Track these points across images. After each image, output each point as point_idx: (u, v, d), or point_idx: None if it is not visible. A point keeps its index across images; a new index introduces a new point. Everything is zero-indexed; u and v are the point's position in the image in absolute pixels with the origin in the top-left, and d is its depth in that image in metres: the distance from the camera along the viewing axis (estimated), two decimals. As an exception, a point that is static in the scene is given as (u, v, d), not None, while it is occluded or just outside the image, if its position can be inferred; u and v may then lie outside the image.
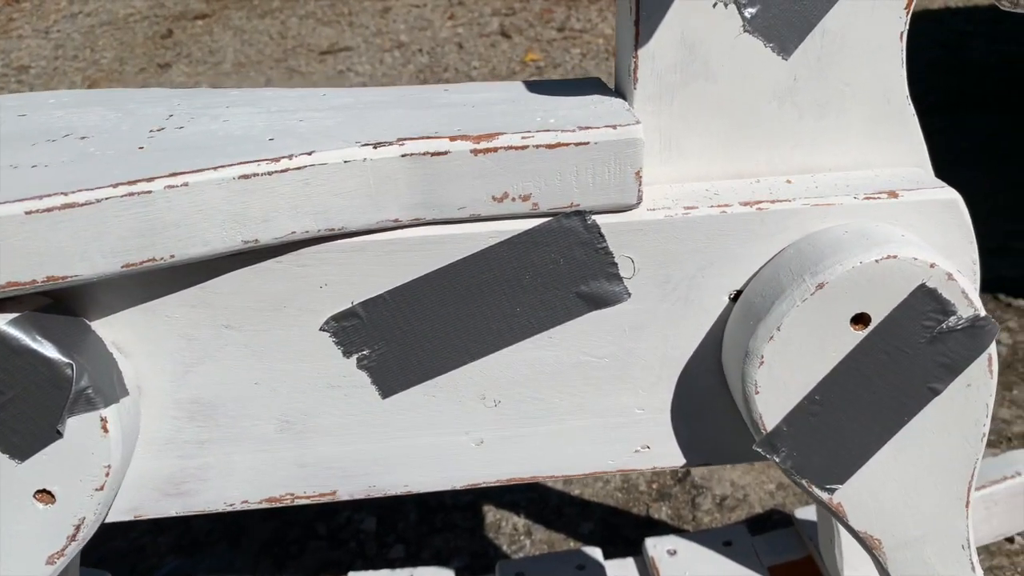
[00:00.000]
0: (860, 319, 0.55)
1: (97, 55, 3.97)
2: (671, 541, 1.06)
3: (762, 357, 0.55)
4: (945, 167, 2.28)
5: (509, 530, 1.25)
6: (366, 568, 1.21)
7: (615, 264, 0.57)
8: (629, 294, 0.58)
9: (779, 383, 0.56)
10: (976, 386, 0.57)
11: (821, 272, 0.54)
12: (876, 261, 0.53)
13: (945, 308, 0.55)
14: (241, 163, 0.51)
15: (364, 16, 4.24)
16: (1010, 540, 1.13)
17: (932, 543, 0.62)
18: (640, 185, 0.55)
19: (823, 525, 0.97)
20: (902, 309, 0.55)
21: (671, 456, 0.63)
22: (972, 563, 0.63)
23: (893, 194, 0.58)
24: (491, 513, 1.28)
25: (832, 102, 0.59)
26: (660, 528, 1.23)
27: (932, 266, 0.54)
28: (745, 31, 0.57)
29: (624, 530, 1.23)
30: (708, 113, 0.59)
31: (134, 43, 4.20)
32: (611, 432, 0.62)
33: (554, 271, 0.57)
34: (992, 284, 1.70)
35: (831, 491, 0.59)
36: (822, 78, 0.59)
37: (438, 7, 4.23)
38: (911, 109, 0.61)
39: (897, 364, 0.56)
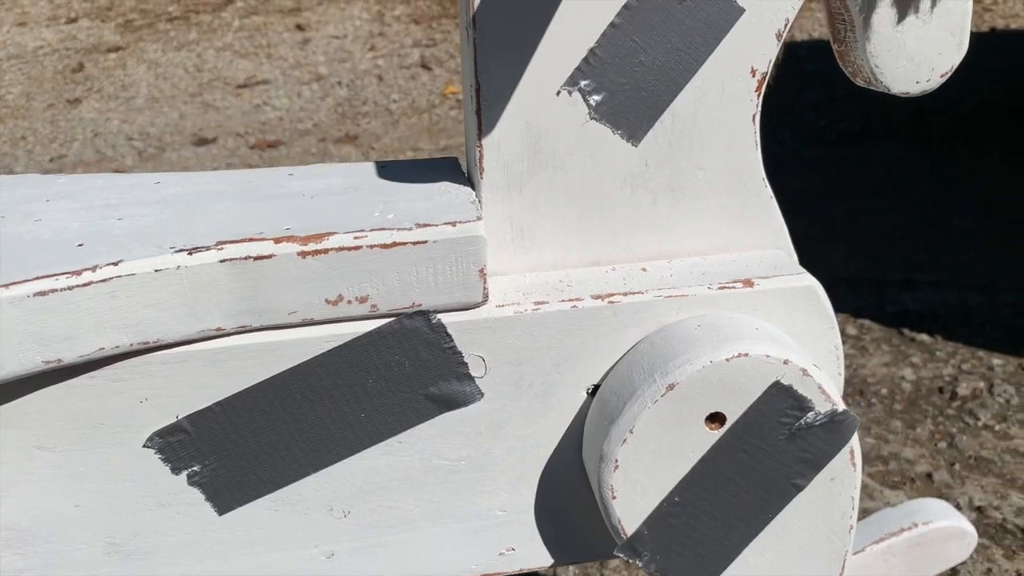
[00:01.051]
0: (715, 418, 0.53)
1: (3, 90, 3.83)
2: (573, 609, 1.02)
3: (616, 461, 0.53)
4: (851, 198, 2.31)
5: None
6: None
7: (465, 364, 0.54)
8: (482, 394, 0.55)
9: (636, 486, 0.53)
10: (840, 479, 0.55)
11: (672, 372, 0.52)
12: (727, 360, 0.51)
13: (802, 404, 0.53)
14: (38, 278, 0.46)
15: (283, 48, 4.18)
16: (913, 588, 1.13)
17: (806, 634, 0.60)
18: (485, 282, 0.52)
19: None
20: (758, 407, 0.53)
21: (538, 556, 0.60)
22: (848, 649, 0.62)
23: (749, 283, 0.56)
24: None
25: (686, 187, 0.57)
26: (568, 589, 1.20)
27: (785, 362, 0.52)
28: (592, 119, 0.55)
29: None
30: (559, 201, 0.57)
31: (43, 77, 4.06)
32: (473, 536, 0.59)
33: (399, 373, 0.54)
34: (896, 318, 1.72)
35: None
36: (674, 163, 0.57)
37: (359, 38, 4.19)
38: (768, 191, 0.59)
39: (757, 462, 0.54)
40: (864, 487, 1.31)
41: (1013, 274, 1.83)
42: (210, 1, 4.88)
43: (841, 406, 0.53)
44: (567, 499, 0.59)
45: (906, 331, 1.68)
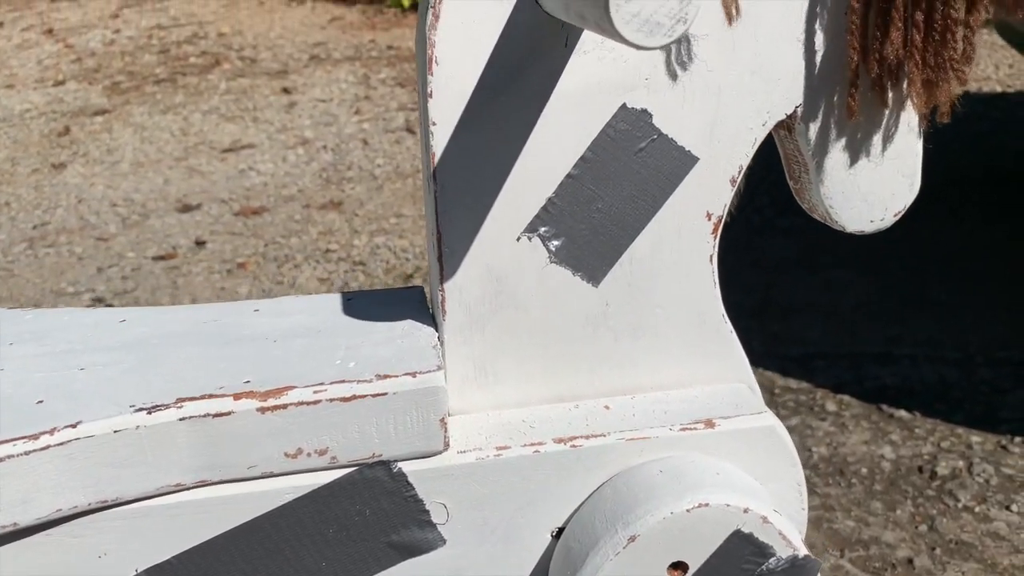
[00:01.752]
0: (677, 566, 0.53)
1: (-13, 156, 3.84)
2: None
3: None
4: (827, 268, 2.33)
5: None
6: None
7: (426, 511, 0.54)
8: (444, 540, 0.55)
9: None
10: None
11: (633, 523, 0.52)
12: (687, 511, 0.51)
13: (763, 551, 0.53)
14: (-6, 444, 0.46)
15: (269, 111, 4.22)
16: None
17: None
18: (446, 431, 0.53)
19: None
20: (719, 555, 0.53)
21: None
22: None
23: (710, 423, 0.56)
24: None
25: (646, 325, 0.58)
26: None
27: (746, 511, 0.52)
28: (552, 263, 0.56)
29: None
30: (521, 340, 0.57)
31: (28, 141, 4.09)
32: None
33: (360, 523, 0.54)
34: (874, 394, 1.73)
35: None
36: (634, 302, 0.58)
37: (344, 101, 4.24)
38: (728, 327, 0.60)
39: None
40: (845, 573, 1.31)
41: (988, 346, 1.85)
42: (197, 63, 4.94)
43: (803, 551, 0.53)
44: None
45: (885, 407, 1.69)
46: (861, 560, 1.33)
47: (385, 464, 0.52)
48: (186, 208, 3.17)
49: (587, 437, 0.55)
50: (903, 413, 1.66)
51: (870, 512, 1.43)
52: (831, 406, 1.70)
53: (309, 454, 0.51)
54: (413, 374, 0.51)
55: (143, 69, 4.88)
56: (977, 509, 1.41)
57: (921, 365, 1.81)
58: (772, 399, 1.74)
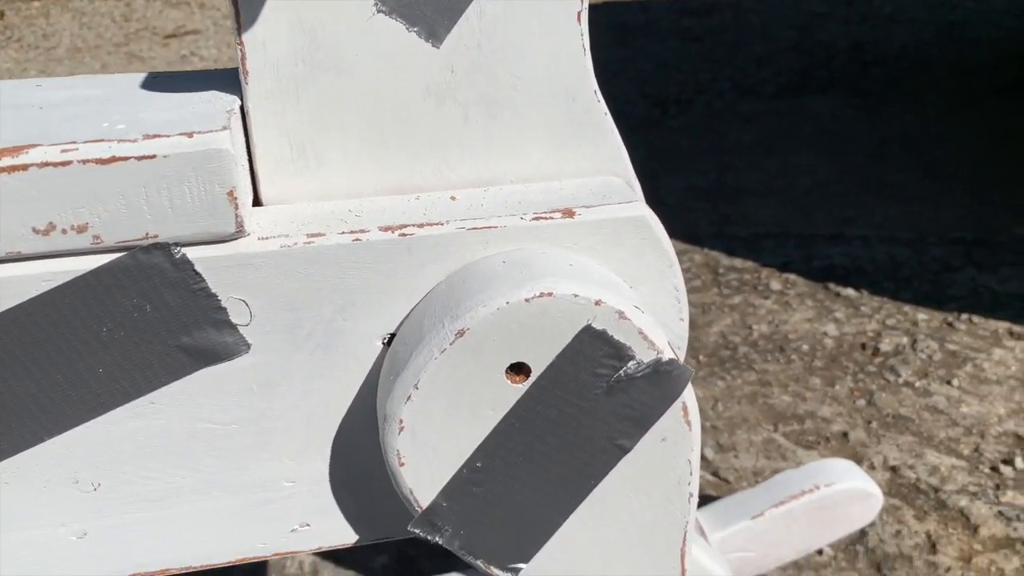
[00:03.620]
0: (518, 369, 0.45)
1: (-89, 39, 3.63)
2: (453, 580, 0.95)
3: (401, 421, 0.44)
4: (786, 152, 2.25)
5: (294, 570, 1.12)
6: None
7: (223, 309, 0.45)
8: (248, 345, 0.46)
9: (427, 451, 0.45)
10: (673, 440, 0.48)
11: (462, 316, 0.43)
12: (527, 300, 0.43)
13: (620, 352, 0.45)
14: None
15: (214, -3, 4.01)
16: (819, 552, 1.07)
17: (646, 616, 0.53)
18: (237, 208, 0.43)
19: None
20: (567, 356, 0.44)
21: (338, 534, 0.52)
22: (697, 634, 0.55)
23: (569, 213, 0.47)
24: (277, 551, 1.15)
25: (502, 100, 0.49)
26: (457, 558, 1.13)
27: (597, 303, 0.44)
28: (379, 12, 0.46)
29: (420, 562, 1.12)
30: (348, 113, 0.47)
31: (-42, 26, 3.86)
32: (256, 511, 0.51)
33: (141, 321, 0.45)
34: (821, 273, 1.66)
35: (514, 571, 0.49)
36: (486, 70, 0.48)
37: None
38: (602, 107, 0.51)
39: (572, 420, 0.46)
40: (777, 447, 1.25)
41: (943, 228, 1.78)
42: (141, -52, 4.66)
43: (668, 354, 0.45)
44: (367, 468, 0.51)
45: (832, 286, 1.62)
46: (795, 434, 1.28)
47: (164, 248, 0.43)
48: (120, 92, 3.00)
49: (420, 226, 0.46)
50: (850, 292, 1.60)
51: (808, 388, 1.37)
52: (776, 285, 1.63)
53: (65, 231, 0.42)
54: (190, 134, 0.42)
55: (83, -48, 4.60)
56: (917, 384, 1.36)
57: (873, 245, 1.74)
58: (716, 278, 1.67)
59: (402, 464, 0.45)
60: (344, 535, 0.52)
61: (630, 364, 0.45)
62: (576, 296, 0.43)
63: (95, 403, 0.46)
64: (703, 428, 1.30)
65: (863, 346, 1.46)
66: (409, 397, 0.44)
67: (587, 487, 0.48)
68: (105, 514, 0.49)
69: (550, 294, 0.43)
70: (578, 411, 0.46)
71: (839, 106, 2.40)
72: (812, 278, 1.64)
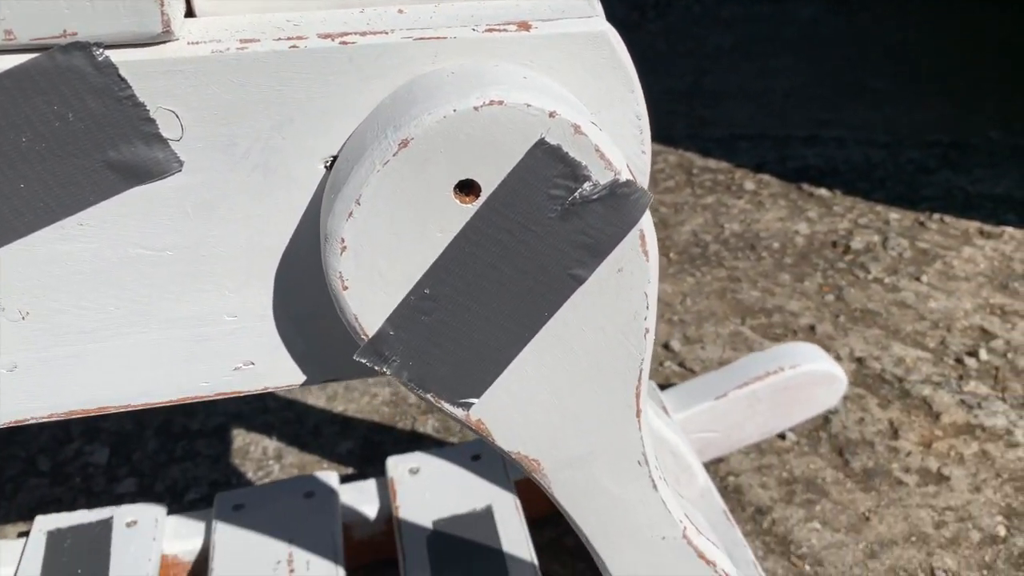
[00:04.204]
0: (467, 188, 0.42)
1: None
2: (415, 459, 0.95)
3: (343, 240, 0.42)
4: (765, 57, 2.21)
5: (258, 455, 1.12)
6: (89, 506, 1.06)
7: (151, 120, 0.42)
8: (180, 162, 0.44)
9: (372, 274, 0.43)
10: (629, 271, 0.46)
11: (406, 125, 0.41)
12: (475, 109, 0.40)
13: (575, 171, 0.42)
14: None
15: None
16: (782, 437, 1.08)
17: (601, 460, 0.52)
18: (163, 6, 0.40)
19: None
20: (519, 174, 0.42)
21: (285, 373, 0.50)
22: (653, 480, 0.54)
23: (525, 26, 0.44)
24: (240, 437, 1.15)
25: None
26: (424, 443, 1.13)
27: (552, 115, 0.41)
28: None
29: (386, 447, 1.12)
30: None
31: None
32: (196, 346, 0.49)
33: (63, 131, 0.42)
34: (795, 174, 1.64)
35: (465, 406, 0.48)
36: None
37: None
38: None
39: (525, 246, 0.44)
40: (744, 339, 1.25)
41: (920, 131, 1.76)
42: None
43: (626, 175, 0.43)
44: (314, 303, 0.49)
45: (805, 186, 1.61)
46: (762, 327, 1.28)
47: (84, 48, 0.40)
48: None
49: (363, 34, 0.43)
50: (823, 192, 1.59)
51: (777, 283, 1.37)
52: (749, 185, 1.62)
53: (-27, 23, 0.38)
54: None
55: None
56: (887, 280, 1.36)
57: (848, 147, 1.72)
58: (689, 179, 1.64)
59: (345, 288, 0.43)
60: (291, 375, 0.51)
61: (586, 185, 0.43)
62: (529, 106, 0.41)
63: (17, 222, 0.43)
64: (670, 322, 1.29)
65: (834, 244, 1.45)
66: (351, 214, 0.41)
67: (540, 319, 0.46)
68: (35, 346, 0.47)
69: (501, 102, 0.40)
70: (531, 237, 0.44)
71: (820, 12, 2.35)
72: (786, 178, 1.63)
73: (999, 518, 0.96)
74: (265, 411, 1.19)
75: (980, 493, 1.00)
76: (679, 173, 1.66)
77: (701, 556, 0.57)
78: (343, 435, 1.15)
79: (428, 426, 1.16)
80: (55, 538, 0.87)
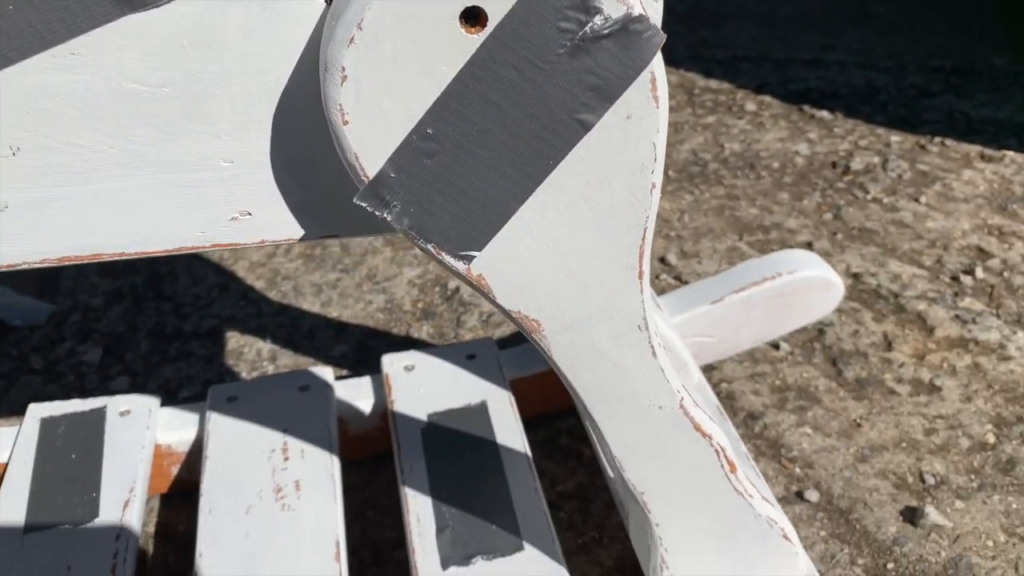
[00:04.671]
0: (473, 17, 0.41)
1: None
2: (410, 357, 0.95)
3: (343, 70, 0.41)
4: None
5: (252, 356, 1.12)
6: (82, 404, 1.06)
7: (146, -59, 0.41)
8: (175, -11, 0.42)
9: (374, 108, 0.42)
10: (638, 118, 0.45)
11: (411, -56, 0.39)
12: (484, -72, 0.39)
13: (586, 3, 0.41)
14: None
15: None
16: (775, 347, 1.08)
17: (601, 323, 0.52)
18: None
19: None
20: (528, 3, 0.41)
21: (282, 226, 0.49)
22: (652, 347, 0.54)
23: None
24: (234, 339, 1.14)
25: None
26: (419, 348, 1.13)
27: (564, -60, 0.39)
28: None
29: (380, 351, 1.12)
30: None
31: None
32: (191, 192, 0.47)
33: (53, -52, 0.40)
34: (797, 96, 1.62)
35: (466, 259, 0.47)
36: None
37: None
38: None
39: (532, 85, 0.43)
40: (740, 254, 1.25)
41: (924, 57, 1.74)
42: None
43: (639, 10, 0.42)
44: (313, 151, 0.47)
45: (806, 108, 1.59)
46: (759, 243, 1.27)
47: None
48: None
49: None
50: (824, 113, 1.57)
51: (776, 202, 1.36)
52: (751, 106, 1.59)
53: None
54: None
55: None
56: (885, 200, 1.35)
57: (851, 70, 1.69)
58: (690, 99, 1.62)
59: (346, 122, 0.42)
60: (289, 228, 0.50)
61: (597, 19, 0.41)
62: (539, -72, 0.39)
63: (7, 48, 0.42)
64: (667, 237, 1.28)
65: (834, 164, 1.44)
66: (352, 40, 0.40)
67: (545, 168, 0.45)
68: (26, 184, 0.45)
69: (510, -77, 0.39)
70: (539, 75, 0.42)
71: (827, -63, 2.30)
72: (787, 100, 1.61)
73: (989, 426, 0.97)
74: (259, 315, 1.18)
75: (971, 403, 1.00)
76: (680, 93, 1.64)
77: (697, 428, 0.57)
78: (337, 339, 1.14)
79: (423, 331, 1.16)
80: (48, 425, 0.87)
